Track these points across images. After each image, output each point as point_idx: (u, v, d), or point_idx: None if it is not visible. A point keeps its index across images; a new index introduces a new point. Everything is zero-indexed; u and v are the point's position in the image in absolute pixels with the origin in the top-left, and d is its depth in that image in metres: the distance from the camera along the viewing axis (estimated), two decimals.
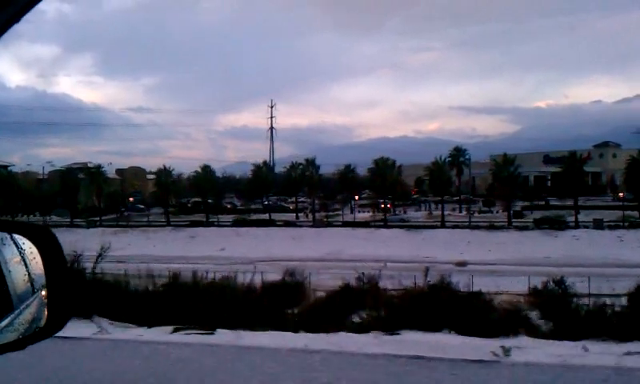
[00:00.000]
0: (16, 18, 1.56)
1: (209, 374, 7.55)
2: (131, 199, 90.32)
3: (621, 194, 68.51)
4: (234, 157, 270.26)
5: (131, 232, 66.00)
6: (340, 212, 76.26)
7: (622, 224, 59.41)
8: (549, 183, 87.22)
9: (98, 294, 16.34)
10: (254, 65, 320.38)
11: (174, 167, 78.53)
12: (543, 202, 76.25)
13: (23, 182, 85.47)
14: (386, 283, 25.04)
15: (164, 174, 77.11)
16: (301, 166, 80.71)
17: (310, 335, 11.08)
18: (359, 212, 78.13)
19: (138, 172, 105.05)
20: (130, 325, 17.29)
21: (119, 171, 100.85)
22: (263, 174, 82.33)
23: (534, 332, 16.12)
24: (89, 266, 31.71)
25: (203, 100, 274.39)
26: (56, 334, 1.74)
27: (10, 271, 1.74)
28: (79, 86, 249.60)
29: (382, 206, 79.73)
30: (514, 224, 61.52)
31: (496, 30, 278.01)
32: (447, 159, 76.05)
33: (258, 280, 29.32)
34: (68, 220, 76.21)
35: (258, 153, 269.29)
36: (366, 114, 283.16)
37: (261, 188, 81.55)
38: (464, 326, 15.33)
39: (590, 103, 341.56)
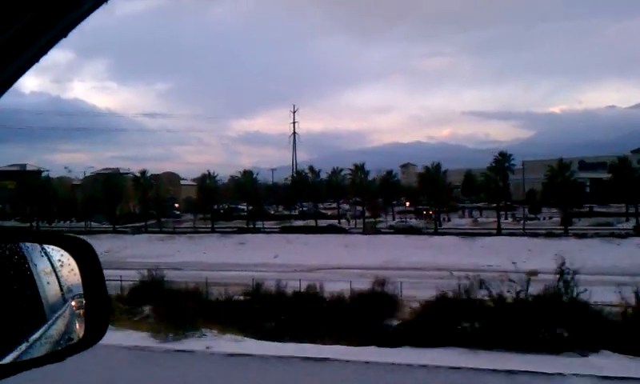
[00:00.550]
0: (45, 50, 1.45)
1: None
2: (177, 205, 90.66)
3: None
4: (248, 162, 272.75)
5: (178, 238, 65.53)
6: (382, 218, 75.41)
7: None
8: (587, 189, 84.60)
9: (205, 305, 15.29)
10: (267, 70, 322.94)
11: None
12: (587, 209, 73.52)
13: (58, 188, 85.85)
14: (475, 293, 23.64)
15: (208, 178, 76.72)
16: (342, 172, 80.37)
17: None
18: (401, 220, 76.96)
19: (172, 178, 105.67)
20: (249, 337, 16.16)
21: (154, 176, 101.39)
22: (304, 179, 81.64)
23: None
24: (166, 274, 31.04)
25: (216, 105, 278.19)
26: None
27: (42, 282, 1.72)
28: (93, 91, 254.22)
29: (425, 212, 78.37)
30: (570, 231, 59.14)
31: (509, 35, 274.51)
32: (492, 164, 74.42)
33: (332, 288, 28.10)
34: (109, 226, 76.26)
35: (271, 159, 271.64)
36: (379, 119, 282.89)
37: (301, 193, 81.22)
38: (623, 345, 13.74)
39: (604, 108, 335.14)
